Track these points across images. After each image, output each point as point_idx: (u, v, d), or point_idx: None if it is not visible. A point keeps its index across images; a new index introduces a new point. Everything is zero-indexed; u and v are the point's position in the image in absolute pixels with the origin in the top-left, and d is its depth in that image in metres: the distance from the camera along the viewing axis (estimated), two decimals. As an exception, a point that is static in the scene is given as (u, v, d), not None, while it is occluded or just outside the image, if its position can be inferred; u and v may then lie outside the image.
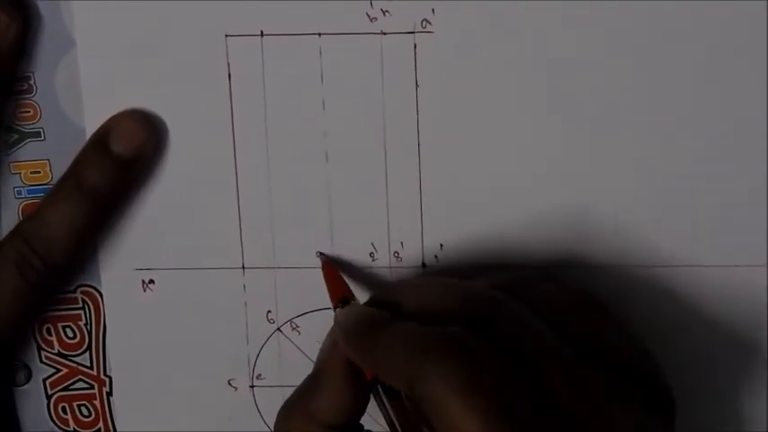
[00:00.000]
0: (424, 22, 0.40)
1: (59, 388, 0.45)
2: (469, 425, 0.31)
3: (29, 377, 0.44)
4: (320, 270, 0.42)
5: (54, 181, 0.42)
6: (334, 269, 0.41)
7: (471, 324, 0.34)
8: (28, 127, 0.42)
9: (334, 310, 0.39)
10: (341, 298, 0.39)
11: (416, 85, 0.40)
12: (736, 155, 0.40)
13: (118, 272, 0.43)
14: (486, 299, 0.36)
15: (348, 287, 0.40)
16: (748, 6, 0.39)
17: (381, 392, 0.36)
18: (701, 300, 0.41)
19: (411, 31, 0.40)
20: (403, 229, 0.42)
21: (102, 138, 0.41)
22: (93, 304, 0.44)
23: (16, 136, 0.42)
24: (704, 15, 0.39)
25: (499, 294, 0.36)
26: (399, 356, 0.33)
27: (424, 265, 0.42)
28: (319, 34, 0.40)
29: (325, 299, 0.42)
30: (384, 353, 0.34)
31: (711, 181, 0.40)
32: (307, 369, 0.43)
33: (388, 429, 0.36)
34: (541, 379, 0.33)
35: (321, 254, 0.42)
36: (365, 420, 0.37)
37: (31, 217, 0.41)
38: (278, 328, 0.43)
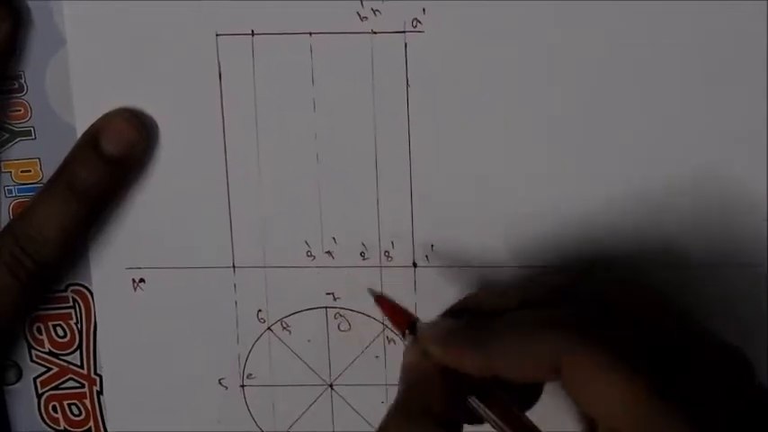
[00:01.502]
0: (414, 22, 0.40)
1: (50, 387, 0.45)
2: (620, 401, 0.31)
3: (19, 376, 0.44)
4: (310, 269, 0.42)
5: (44, 180, 0.42)
6: (387, 300, 0.39)
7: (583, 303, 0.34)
8: (18, 126, 0.42)
9: (403, 338, 0.38)
10: (410, 323, 0.38)
11: (407, 85, 0.40)
12: (736, 155, 0.40)
13: (108, 271, 0.43)
14: (576, 283, 0.36)
15: (408, 311, 0.39)
16: (748, 6, 0.39)
17: (477, 402, 0.35)
18: (701, 301, 0.41)
19: (401, 30, 0.40)
20: (394, 229, 0.42)
21: (92, 137, 0.41)
22: (83, 303, 0.44)
23: (7, 135, 0.42)
24: (704, 15, 0.39)
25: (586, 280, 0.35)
26: (527, 342, 0.33)
27: (414, 264, 0.42)
28: (310, 33, 0.40)
29: (314, 298, 0.42)
30: (504, 345, 0.33)
31: (711, 182, 0.40)
32: (297, 368, 0.43)
33: None
34: (666, 351, 0.32)
35: (370, 290, 0.40)
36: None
37: (22, 216, 0.41)
38: (268, 328, 0.43)
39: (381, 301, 0.39)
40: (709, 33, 0.39)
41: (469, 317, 0.36)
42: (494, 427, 0.35)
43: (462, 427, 0.35)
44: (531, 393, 0.36)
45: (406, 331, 0.37)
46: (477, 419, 0.35)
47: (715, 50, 0.39)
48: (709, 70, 0.39)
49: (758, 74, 0.39)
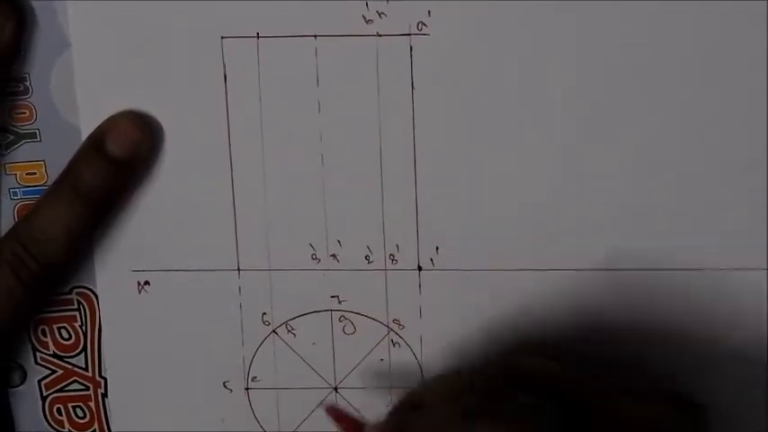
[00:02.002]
0: (419, 25, 0.40)
1: (54, 389, 0.45)
2: None
3: (23, 378, 0.44)
4: (315, 272, 0.42)
5: (50, 182, 0.42)
6: (340, 412, 0.39)
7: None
8: (23, 128, 0.42)
9: None
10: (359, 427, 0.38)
11: (412, 88, 0.40)
12: (736, 157, 0.40)
13: (113, 273, 0.43)
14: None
15: (360, 420, 0.39)
16: (748, 6, 0.38)
17: None
18: (701, 303, 0.41)
19: (407, 33, 0.40)
20: (399, 232, 0.42)
21: (97, 139, 0.41)
22: (88, 305, 0.44)
23: (12, 137, 0.42)
24: (704, 15, 0.39)
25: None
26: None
27: (419, 267, 0.42)
28: (315, 36, 0.40)
29: (319, 301, 0.42)
30: None
31: (711, 183, 0.40)
32: (302, 371, 0.43)
33: None
34: None
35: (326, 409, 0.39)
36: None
37: (27, 218, 0.41)
38: (273, 330, 0.43)
39: (332, 411, 0.39)
40: (710, 33, 0.39)
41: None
42: None
43: None
44: None
45: None
46: None
47: (715, 50, 0.39)
48: (709, 70, 0.39)
49: (758, 74, 0.39)
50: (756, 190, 0.40)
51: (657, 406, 0.35)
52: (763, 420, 0.42)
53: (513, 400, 0.34)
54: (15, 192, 0.42)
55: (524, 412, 0.34)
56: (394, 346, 0.43)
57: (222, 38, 0.40)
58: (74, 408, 0.45)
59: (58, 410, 0.45)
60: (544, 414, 0.34)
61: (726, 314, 0.41)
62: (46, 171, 0.42)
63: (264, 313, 0.43)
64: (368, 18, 0.40)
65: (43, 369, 0.44)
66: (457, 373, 0.37)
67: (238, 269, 0.43)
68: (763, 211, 0.40)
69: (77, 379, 0.44)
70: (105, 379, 0.44)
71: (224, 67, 0.41)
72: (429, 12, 0.39)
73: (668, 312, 0.41)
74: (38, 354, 0.44)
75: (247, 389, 0.44)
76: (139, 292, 0.43)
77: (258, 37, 0.40)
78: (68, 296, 0.43)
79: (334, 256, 0.42)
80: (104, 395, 0.45)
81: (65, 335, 0.44)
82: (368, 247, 0.42)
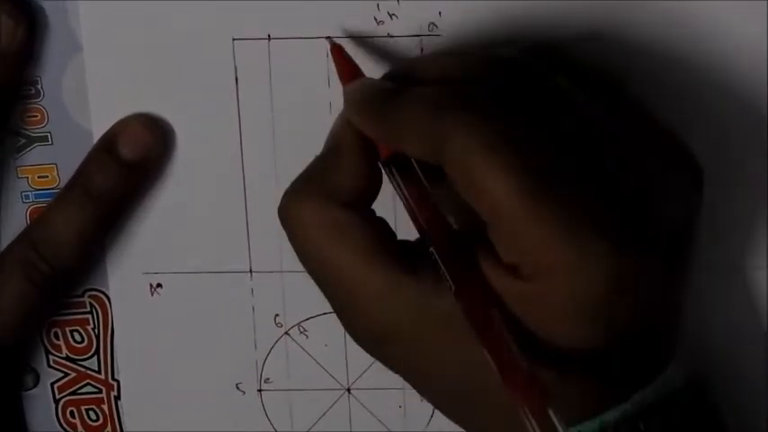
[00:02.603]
0: (431, 26, 0.40)
1: (67, 392, 0.45)
2: (501, 186, 0.30)
3: (36, 381, 0.44)
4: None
5: (61, 185, 0.42)
6: (342, 51, 0.38)
7: (494, 84, 0.32)
8: (35, 131, 0.42)
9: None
10: (353, 79, 0.37)
11: (424, 88, 0.40)
12: (736, 156, 0.40)
13: (126, 276, 0.43)
14: (506, 60, 0.33)
15: (359, 68, 0.38)
16: (748, 6, 0.38)
17: (395, 170, 0.34)
18: (701, 303, 0.41)
19: (418, 34, 0.40)
20: (409, 234, 0.42)
21: (109, 142, 0.41)
22: (100, 308, 0.44)
23: (23, 140, 0.42)
24: (704, 15, 0.39)
25: (522, 56, 0.34)
26: (419, 120, 0.31)
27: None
28: (326, 37, 0.40)
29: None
30: (402, 119, 0.32)
31: (711, 182, 0.40)
32: (314, 372, 0.43)
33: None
34: (576, 137, 0.31)
35: (329, 38, 0.39)
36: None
37: (38, 221, 0.41)
38: (286, 332, 0.43)
39: (336, 50, 0.38)
40: (710, 33, 0.39)
41: (391, 83, 0.35)
42: (401, 199, 0.34)
43: (369, 203, 0.35)
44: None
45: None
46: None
47: (715, 50, 0.39)
48: (709, 70, 0.39)
49: (758, 74, 0.39)
50: (756, 190, 0.40)
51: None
52: (764, 420, 0.42)
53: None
54: (27, 195, 0.42)
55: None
56: (407, 346, 0.43)
57: (234, 39, 0.40)
58: (87, 410, 0.45)
59: (71, 413, 0.45)
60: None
61: (726, 313, 0.41)
62: (58, 174, 0.42)
63: (277, 315, 0.43)
64: (379, 19, 0.40)
65: (56, 372, 0.44)
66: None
67: (251, 271, 0.43)
68: (763, 210, 0.40)
69: (90, 382, 0.44)
70: (118, 381, 0.44)
71: (235, 69, 0.41)
72: (440, 13, 0.39)
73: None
74: (50, 357, 0.44)
75: (260, 390, 0.44)
76: (152, 295, 0.43)
77: (269, 39, 0.40)
78: (81, 299, 0.43)
79: (346, 257, 0.42)
80: (117, 398, 0.45)
81: (77, 338, 0.44)
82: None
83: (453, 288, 0.32)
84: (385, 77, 0.36)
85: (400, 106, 0.33)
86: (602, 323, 0.31)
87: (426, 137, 0.31)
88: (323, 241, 0.34)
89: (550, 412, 0.29)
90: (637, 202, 0.31)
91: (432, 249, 0.33)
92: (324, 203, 0.34)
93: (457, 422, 0.35)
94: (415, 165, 0.34)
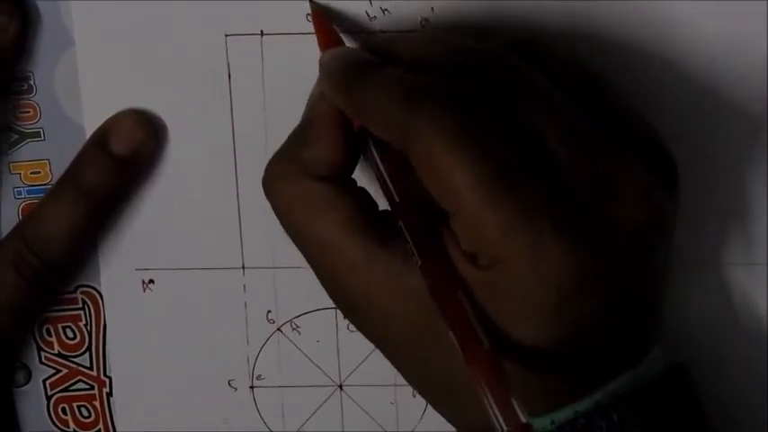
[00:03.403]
0: (423, 21, 0.40)
1: (59, 389, 0.44)
2: (461, 177, 0.30)
3: (28, 378, 0.44)
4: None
5: (54, 181, 0.42)
6: (324, 17, 0.38)
7: (465, 76, 0.32)
8: (28, 127, 0.42)
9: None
10: (331, 46, 0.37)
11: (416, 84, 0.40)
12: (735, 154, 0.40)
13: (118, 272, 0.43)
14: (483, 51, 0.34)
15: (339, 36, 0.37)
16: (748, 6, 0.38)
17: (371, 144, 0.34)
18: (702, 299, 0.41)
19: (410, 30, 0.40)
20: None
21: (101, 137, 0.41)
22: (93, 305, 0.44)
23: (16, 136, 0.42)
24: (704, 15, 0.39)
25: (497, 48, 0.34)
26: (387, 105, 0.32)
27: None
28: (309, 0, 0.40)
29: (324, 299, 0.42)
30: (371, 101, 0.32)
31: (711, 181, 0.40)
32: (307, 369, 0.43)
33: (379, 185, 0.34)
34: (541, 133, 0.31)
35: (312, 1, 0.38)
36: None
37: (31, 217, 0.41)
38: (278, 329, 0.43)
39: (316, 15, 0.37)
40: (710, 33, 0.39)
41: (367, 54, 0.35)
42: (375, 174, 0.34)
43: (348, 174, 0.35)
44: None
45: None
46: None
47: (715, 50, 0.39)
48: (709, 70, 0.39)
49: (758, 74, 0.39)
50: (756, 188, 0.40)
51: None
52: (764, 421, 0.42)
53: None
54: (20, 191, 0.42)
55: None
56: (399, 343, 0.43)
57: (226, 35, 0.40)
58: (79, 407, 0.45)
59: (63, 410, 0.45)
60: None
61: (725, 310, 0.41)
62: (50, 170, 0.42)
63: (269, 311, 0.43)
64: (372, 15, 0.40)
65: (48, 368, 0.44)
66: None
67: (243, 267, 0.43)
68: (763, 207, 0.40)
69: (82, 378, 0.44)
70: (110, 378, 0.44)
71: (228, 64, 0.41)
72: (432, 8, 0.39)
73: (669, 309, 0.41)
74: (42, 353, 0.44)
75: (252, 387, 0.44)
76: (144, 291, 0.43)
77: (262, 34, 0.40)
78: (73, 295, 0.43)
79: (338, 253, 0.42)
80: (109, 394, 0.44)
81: (69, 334, 0.44)
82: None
83: (420, 263, 0.32)
84: (363, 46, 0.36)
85: (370, 86, 0.33)
86: (559, 320, 0.31)
87: (392, 124, 0.32)
88: (302, 214, 0.34)
89: (513, 401, 0.29)
90: (598, 201, 0.31)
91: (400, 223, 0.33)
92: (300, 177, 0.34)
93: (438, 410, 0.35)
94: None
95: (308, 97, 0.37)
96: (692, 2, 0.39)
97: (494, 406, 0.29)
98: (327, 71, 0.35)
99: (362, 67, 0.34)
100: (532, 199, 0.30)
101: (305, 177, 0.34)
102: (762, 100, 0.39)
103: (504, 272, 0.30)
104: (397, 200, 0.33)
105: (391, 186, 0.34)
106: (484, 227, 0.30)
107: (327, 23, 0.38)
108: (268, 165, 0.36)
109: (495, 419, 0.29)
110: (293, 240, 0.36)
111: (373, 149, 0.34)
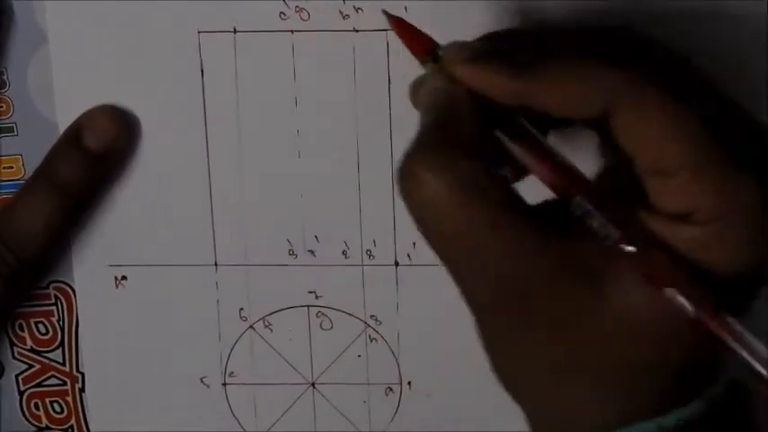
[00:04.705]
0: (396, 20, 0.39)
1: (32, 384, 0.44)
2: (679, 133, 0.31)
3: (1, 373, 0.44)
4: (292, 267, 0.42)
5: (27, 176, 0.42)
6: (408, 22, 0.36)
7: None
8: (1, 122, 0.42)
9: (423, 65, 0.35)
10: (431, 50, 0.34)
11: (389, 83, 0.40)
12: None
13: (91, 268, 0.43)
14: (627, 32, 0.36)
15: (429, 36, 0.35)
16: (748, 6, 0.39)
17: (526, 123, 0.33)
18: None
19: (384, 28, 0.40)
20: (376, 228, 0.42)
21: (74, 133, 0.41)
22: (65, 300, 0.43)
23: (-11, 131, 0.42)
24: (704, 16, 0.39)
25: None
26: (579, 73, 0.32)
27: (396, 263, 0.42)
28: (292, 31, 0.40)
29: (296, 296, 0.42)
30: (550, 73, 0.32)
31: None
32: (279, 367, 0.43)
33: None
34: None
35: (385, 11, 0.36)
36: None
37: (3, 212, 0.41)
38: (250, 326, 0.43)
39: (399, 23, 0.36)
40: (710, 34, 0.39)
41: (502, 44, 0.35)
42: (522, 162, 0.33)
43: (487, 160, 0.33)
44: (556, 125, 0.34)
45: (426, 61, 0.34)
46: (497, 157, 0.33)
47: (715, 51, 0.39)
48: (709, 71, 0.39)
49: (758, 74, 0.39)
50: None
51: None
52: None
53: None
54: (-8, 186, 0.43)
55: None
56: (371, 341, 0.43)
57: (199, 32, 0.40)
58: (51, 402, 0.45)
59: (36, 405, 0.45)
60: None
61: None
62: (23, 165, 0.42)
63: (242, 309, 0.43)
64: (345, 13, 0.40)
65: (20, 364, 0.44)
66: None
67: (215, 264, 0.43)
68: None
69: (55, 374, 0.44)
70: (82, 374, 0.44)
71: (201, 61, 0.41)
72: (406, 8, 0.39)
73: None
74: (15, 348, 0.44)
75: (224, 384, 0.44)
76: (117, 287, 0.43)
77: (235, 32, 0.40)
78: (46, 291, 0.43)
79: (311, 251, 0.42)
80: (82, 390, 0.44)
81: (42, 329, 0.44)
82: (345, 243, 0.42)
83: (617, 235, 0.31)
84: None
85: (543, 61, 0.32)
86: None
87: (587, 89, 0.31)
88: (456, 198, 0.31)
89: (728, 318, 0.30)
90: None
91: (580, 201, 0.32)
92: (456, 161, 0.32)
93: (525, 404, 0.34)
94: (530, 127, 0.33)
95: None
96: (693, 2, 0.39)
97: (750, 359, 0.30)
98: (472, 60, 0.33)
99: (516, 48, 0.34)
100: (728, 148, 0.31)
101: (461, 160, 0.32)
102: (762, 100, 0.39)
103: (730, 220, 0.31)
104: (569, 181, 0.32)
105: (555, 170, 0.32)
106: (707, 180, 0.31)
107: (412, 28, 0.36)
108: (407, 157, 0.32)
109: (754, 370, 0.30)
110: (433, 231, 0.33)
111: (534, 132, 0.33)
